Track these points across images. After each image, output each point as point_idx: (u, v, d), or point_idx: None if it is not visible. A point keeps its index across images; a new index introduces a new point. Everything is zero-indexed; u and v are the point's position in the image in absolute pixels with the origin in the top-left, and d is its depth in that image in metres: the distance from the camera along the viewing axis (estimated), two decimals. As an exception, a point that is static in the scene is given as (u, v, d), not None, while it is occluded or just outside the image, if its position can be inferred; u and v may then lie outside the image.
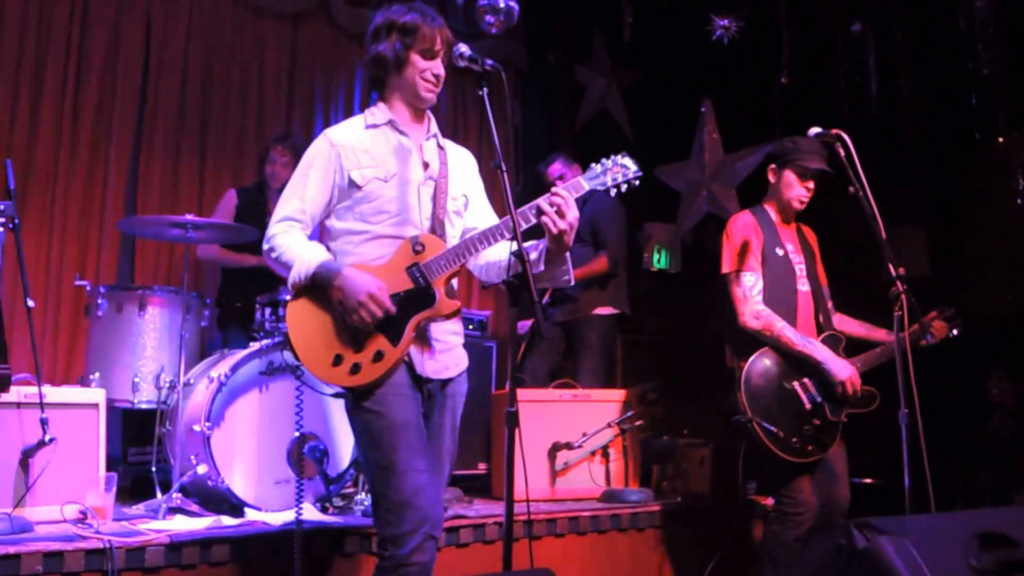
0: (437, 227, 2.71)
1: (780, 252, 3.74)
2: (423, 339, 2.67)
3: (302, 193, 2.70)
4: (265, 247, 2.70)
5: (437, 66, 2.71)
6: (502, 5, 5.40)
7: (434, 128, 2.84)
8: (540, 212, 2.56)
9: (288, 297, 2.65)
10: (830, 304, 3.89)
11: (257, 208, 5.06)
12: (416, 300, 2.61)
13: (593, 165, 2.74)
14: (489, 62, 2.54)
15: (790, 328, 3.61)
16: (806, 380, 3.62)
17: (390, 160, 2.71)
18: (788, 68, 5.87)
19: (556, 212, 2.54)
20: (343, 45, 6.41)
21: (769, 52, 5.96)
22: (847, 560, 2.46)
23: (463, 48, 2.61)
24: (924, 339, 3.63)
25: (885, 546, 2.39)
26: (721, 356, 3.90)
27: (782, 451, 3.53)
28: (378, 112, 2.78)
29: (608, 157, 2.75)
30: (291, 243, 2.66)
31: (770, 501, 4.43)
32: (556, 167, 5.37)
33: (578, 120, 7.20)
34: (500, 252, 2.76)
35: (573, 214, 2.55)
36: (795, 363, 3.62)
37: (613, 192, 2.73)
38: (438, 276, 2.63)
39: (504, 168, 2.45)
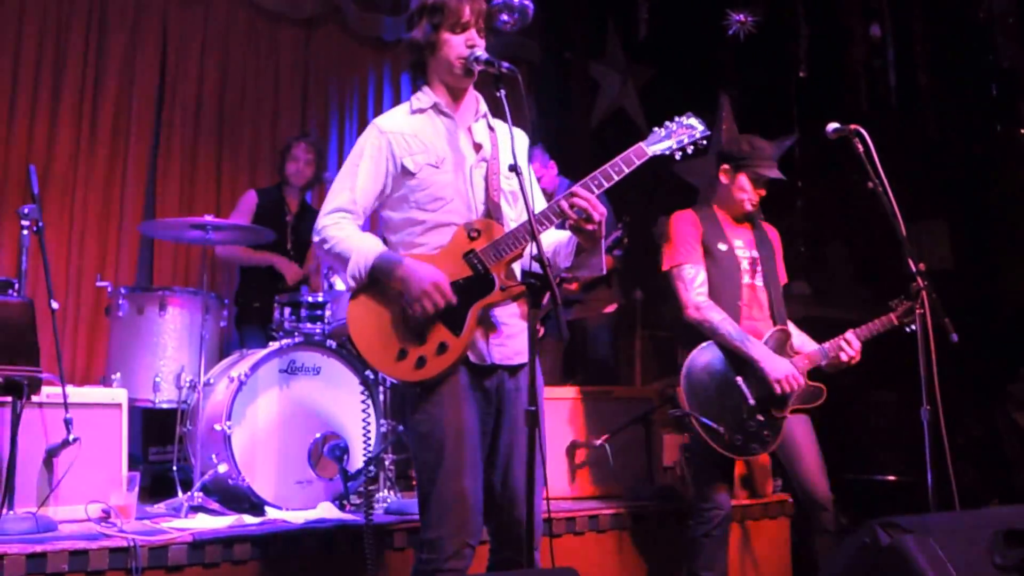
0: (492, 210, 2.66)
1: (723, 247, 3.69)
2: (488, 325, 2.61)
3: (353, 184, 2.65)
4: (316, 239, 2.64)
5: (470, 37, 2.64)
6: (517, 4, 5.39)
7: (483, 108, 2.79)
8: (562, 214, 2.52)
9: (346, 291, 2.60)
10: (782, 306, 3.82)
11: (276, 208, 5.09)
12: (475, 287, 2.57)
13: (656, 129, 2.67)
14: (505, 65, 2.53)
15: (730, 322, 3.55)
16: (750, 375, 3.55)
17: (439, 144, 2.67)
18: (806, 62, 5.82)
19: (582, 215, 2.50)
20: (356, 49, 6.45)
21: (786, 46, 5.92)
22: (872, 559, 2.45)
23: (479, 52, 2.60)
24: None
25: (909, 544, 2.38)
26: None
27: (724, 448, 3.46)
28: (423, 97, 2.73)
29: (672, 119, 2.68)
30: (345, 235, 2.60)
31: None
32: (533, 168, 5.23)
33: (594, 117, 7.18)
34: (548, 239, 2.72)
35: (600, 211, 2.52)
36: (739, 358, 3.55)
37: (679, 155, 2.66)
38: (496, 262, 2.58)
39: (520, 171, 2.43)
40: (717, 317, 3.55)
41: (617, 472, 4.45)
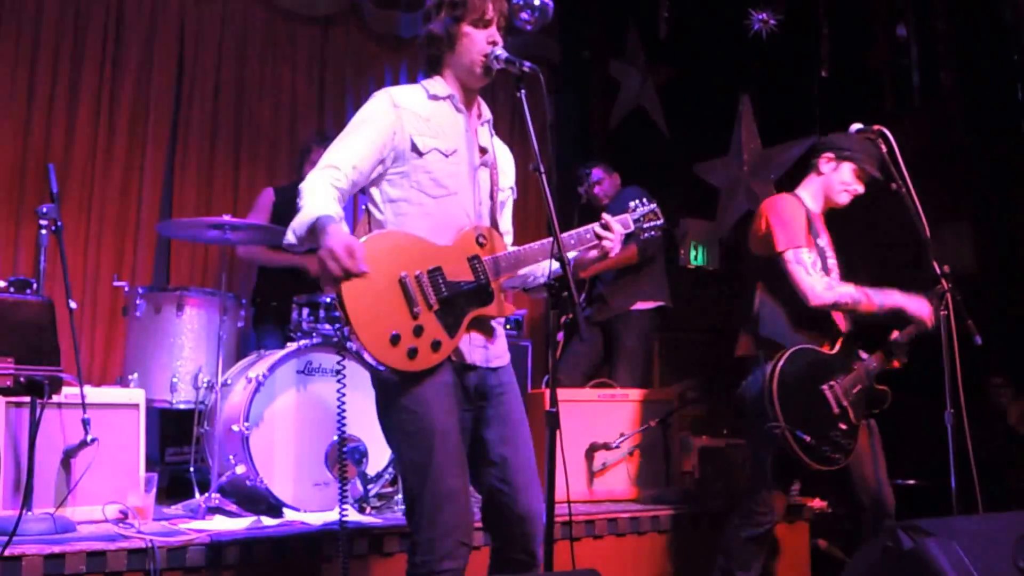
0: (493, 218, 2.67)
1: (821, 242, 3.58)
2: (482, 330, 2.61)
3: (350, 144, 2.57)
4: (300, 195, 2.54)
5: (492, 34, 2.60)
6: (537, 2, 5.38)
7: (487, 114, 2.77)
8: (598, 236, 2.68)
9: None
10: None
11: (294, 206, 5.08)
12: (475, 295, 2.55)
13: (632, 205, 2.83)
14: (527, 64, 2.50)
15: (863, 292, 3.43)
16: (834, 383, 3.44)
17: (451, 136, 2.63)
18: (828, 61, 5.77)
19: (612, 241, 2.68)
20: (373, 47, 6.45)
21: (808, 45, 5.87)
22: (894, 563, 2.42)
23: (499, 51, 2.57)
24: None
25: (932, 548, 2.35)
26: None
27: (813, 460, 3.34)
28: (437, 85, 2.67)
29: (642, 200, 2.84)
30: (311, 188, 2.50)
31: (817, 502, 4.38)
32: (596, 173, 5.41)
33: (613, 117, 7.15)
34: (543, 266, 2.69)
35: (616, 251, 2.72)
36: (824, 365, 3.43)
37: (643, 236, 2.85)
38: (496, 277, 2.58)
39: (543, 171, 2.42)
40: (850, 291, 3.42)
41: (636, 476, 4.42)
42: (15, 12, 5.14)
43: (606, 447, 4.34)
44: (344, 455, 3.60)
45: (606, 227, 2.68)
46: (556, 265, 2.50)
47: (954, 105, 5.76)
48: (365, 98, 6.48)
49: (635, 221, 2.79)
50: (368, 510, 3.79)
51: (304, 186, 2.52)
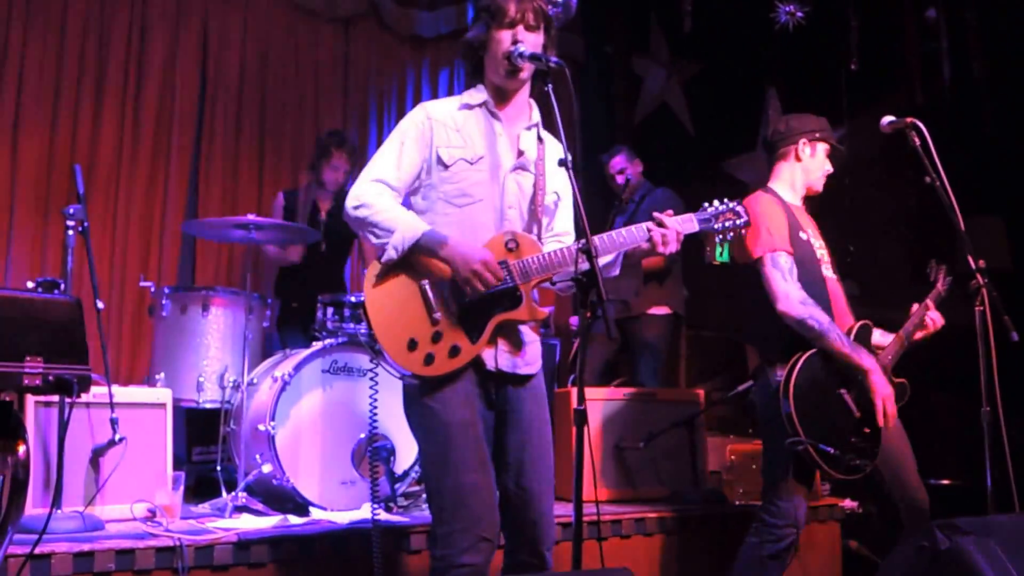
0: (531, 223, 2.66)
1: (803, 236, 3.37)
2: (509, 336, 2.60)
3: (398, 161, 2.63)
4: (354, 203, 2.57)
5: (516, 32, 2.59)
6: (560, -2, 5.37)
7: (536, 118, 2.75)
8: (656, 227, 2.57)
9: (375, 269, 2.54)
10: None
11: (300, 208, 5.06)
12: (501, 299, 2.55)
13: (705, 205, 2.71)
14: (554, 59, 2.51)
15: (836, 326, 3.18)
16: (852, 385, 3.23)
17: (479, 143, 2.65)
18: (857, 54, 5.69)
19: (666, 239, 2.56)
20: (394, 47, 6.49)
21: (836, 37, 5.79)
22: (930, 562, 2.38)
23: (522, 48, 2.57)
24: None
25: (970, 547, 2.31)
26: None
27: (840, 472, 3.13)
28: (475, 93, 2.72)
29: (721, 201, 2.70)
30: (390, 205, 2.57)
31: (848, 503, 4.32)
32: (618, 160, 5.38)
33: (637, 113, 7.10)
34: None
35: (674, 249, 2.59)
36: (839, 366, 3.20)
37: (719, 239, 2.68)
38: (526, 281, 2.56)
39: (571, 165, 2.43)
40: (825, 319, 3.16)
41: (662, 475, 4.38)
42: (41, 15, 5.18)
43: (632, 446, 4.31)
44: (367, 455, 3.60)
45: (660, 224, 2.58)
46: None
47: (986, 97, 5.66)
48: (387, 97, 6.55)
49: (703, 221, 2.66)
50: (395, 508, 3.78)
51: (368, 200, 2.56)
